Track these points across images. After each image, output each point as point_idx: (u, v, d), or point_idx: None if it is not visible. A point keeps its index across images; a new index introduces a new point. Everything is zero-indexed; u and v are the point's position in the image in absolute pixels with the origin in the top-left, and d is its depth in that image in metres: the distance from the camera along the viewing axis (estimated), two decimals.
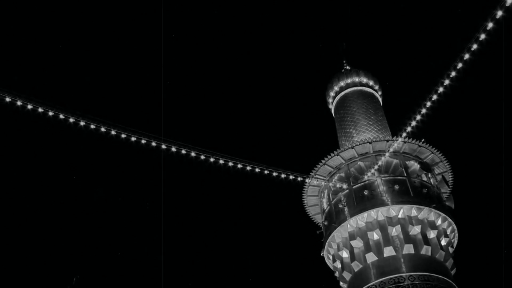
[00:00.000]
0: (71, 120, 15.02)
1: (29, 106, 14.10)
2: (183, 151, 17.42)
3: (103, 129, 15.73)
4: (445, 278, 19.03)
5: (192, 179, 36.21)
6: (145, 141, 16.48)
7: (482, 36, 15.16)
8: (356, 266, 20.25)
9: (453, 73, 16.85)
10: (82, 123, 15.22)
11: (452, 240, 21.43)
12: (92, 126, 15.57)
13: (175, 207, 36.73)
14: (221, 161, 18.46)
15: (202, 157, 17.89)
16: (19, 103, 13.89)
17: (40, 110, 14.41)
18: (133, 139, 16.30)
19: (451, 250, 20.99)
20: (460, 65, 16.44)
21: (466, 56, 16.00)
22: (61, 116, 14.74)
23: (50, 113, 14.52)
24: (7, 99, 13.66)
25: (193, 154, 17.67)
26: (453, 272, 20.18)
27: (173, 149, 17.21)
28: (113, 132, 16.01)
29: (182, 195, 37.16)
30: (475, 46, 15.60)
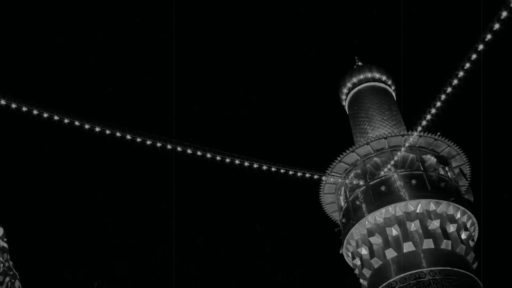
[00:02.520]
0: (87, 126, 15.11)
1: (45, 115, 14.20)
2: (199, 153, 17.47)
3: (118, 134, 15.82)
4: (467, 272, 18.86)
5: (208, 180, 36.33)
6: (161, 144, 16.53)
7: (496, 26, 14.97)
8: (376, 262, 20.15)
9: (467, 65, 16.66)
10: (97, 129, 15.31)
11: (473, 234, 21.22)
12: (108, 132, 15.65)
13: (191, 209, 36.85)
14: (237, 161, 18.49)
15: (218, 158, 17.93)
16: (35, 112, 14.00)
17: (56, 117, 14.52)
18: (148, 142, 16.37)
19: (471, 243, 20.79)
20: (474, 56, 16.25)
21: (480, 47, 15.81)
22: (77, 123, 14.85)
23: (66, 121, 14.62)
24: (24, 109, 13.78)
25: (208, 155, 17.72)
26: (474, 266, 19.98)
27: (189, 151, 17.27)
28: (128, 137, 16.11)
29: (198, 196, 37.27)
30: (489, 37, 15.41)
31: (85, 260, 33.90)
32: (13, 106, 13.40)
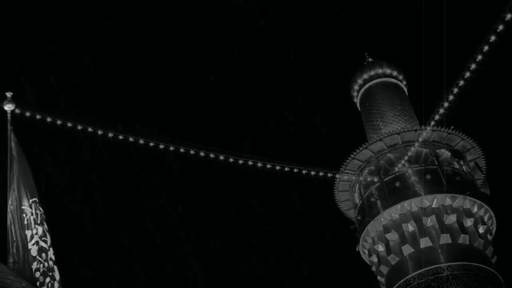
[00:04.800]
0: (120, 137, 15.23)
1: (90, 129, 14.34)
2: (211, 155, 17.50)
3: (142, 141, 15.93)
4: (486, 267, 18.69)
5: (222, 182, 36.36)
6: (174, 148, 16.58)
7: (509, 16, 14.77)
8: (393, 259, 20.05)
9: (479, 57, 16.48)
10: (131, 139, 15.45)
11: (491, 227, 21.01)
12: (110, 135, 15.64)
13: (208, 211, 36.94)
14: (250, 162, 18.49)
15: (231, 159, 17.94)
16: (79, 127, 14.13)
17: (100, 132, 14.66)
18: (161, 146, 16.43)
19: (490, 237, 20.59)
20: (486, 47, 16.07)
21: (492, 38, 15.62)
22: (110, 135, 15.00)
23: (99, 132, 14.78)
24: (69, 124, 13.90)
25: (221, 157, 17.73)
26: (493, 260, 19.79)
27: (202, 154, 17.30)
28: (141, 142, 16.19)
29: (214, 198, 37.32)
30: (500, 27, 15.23)
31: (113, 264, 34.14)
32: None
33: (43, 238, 8.62)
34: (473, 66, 16.84)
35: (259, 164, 18.95)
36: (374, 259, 21.10)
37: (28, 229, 8.59)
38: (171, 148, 16.60)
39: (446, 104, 18.49)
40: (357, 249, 22.22)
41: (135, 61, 39.75)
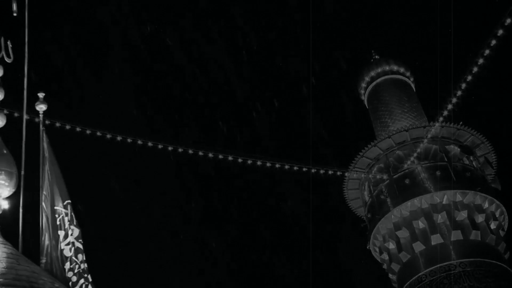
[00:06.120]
0: (139, 142, 15.38)
1: (119, 138, 14.51)
2: (220, 156, 17.54)
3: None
4: (499, 263, 18.58)
5: (232, 183, 36.40)
6: (192, 151, 16.70)
7: None
8: (404, 256, 19.98)
9: (487, 51, 16.40)
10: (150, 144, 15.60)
11: (502, 223, 20.88)
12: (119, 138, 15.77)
13: (221, 211, 37.05)
14: (259, 163, 18.51)
15: (240, 160, 17.98)
16: (108, 136, 14.28)
17: (119, 138, 14.82)
18: (180, 150, 16.51)
19: (502, 233, 20.47)
20: (493, 42, 15.99)
21: (500, 32, 15.52)
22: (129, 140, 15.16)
23: (119, 138, 14.93)
24: (88, 131, 14.05)
25: (230, 158, 17.77)
26: (506, 256, 19.67)
27: (210, 154, 17.35)
28: (150, 144, 16.27)
29: (228, 199, 37.41)
30: (508, 21, 15.13)
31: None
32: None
33: (79, 240, 8.62)
34: (480, 61, 16.75)
35: (268, 164, 18.98)
36: (385, 256, 21.03)
37: (60, 229, 8.59)
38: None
39: (454, 100, 18.40)
40: (368, 247, 22.16)
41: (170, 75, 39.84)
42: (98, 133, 13.79)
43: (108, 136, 14.19)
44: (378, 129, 24.93)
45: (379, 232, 21.26)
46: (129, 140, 14.90)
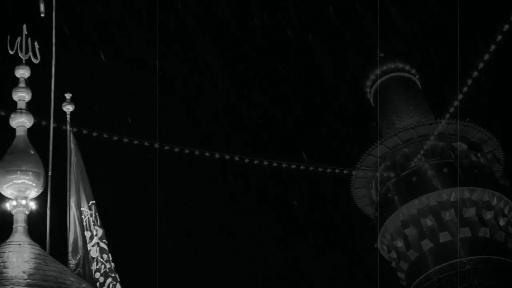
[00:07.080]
0: (156, 145, 15.54)
1: (136, 142, 14.64)
2: (227, 156, 17.60)
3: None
4: (508, 260, 18.51)
5: (240, 184, 36.45)
6: (209, 154, 16.77)
7: None
8: (413, 254, 19.95)
9: (492, 47, 16.33)
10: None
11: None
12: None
13: (233, 211, 37.15)
14: (265, 163, 18.53)
15: (246, 160, 18.01)
16: (125, 140, 14.39)
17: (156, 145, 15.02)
18: (186, 151, 16.59)
19: (511, 230, 20.39)
20: (499, 37, 15.92)
21: (506, 27, 15.44)
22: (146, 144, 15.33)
23: (135, 142, 15.07)
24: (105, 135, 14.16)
25: (236, 158, 17.81)
26: None
27: (217, 155, 17.40)
28: (156, 145, 16.34)
29: (236, 199, 37.47)
30: None
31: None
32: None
33: (103, 240, 8.65)
34: (486, 56, 16.69)
35: (275, 164, 19.00)
36: (394, 255, 21.00)
37: (87, 230, 8.62)
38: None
39: (460, 97, 18.35)
40: (376, 246, 22.13)
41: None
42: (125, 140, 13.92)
43: (136, 142, 14.35)
44: (385, 127, 24.89)
45: (387, 230, 21.23)
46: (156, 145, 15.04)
